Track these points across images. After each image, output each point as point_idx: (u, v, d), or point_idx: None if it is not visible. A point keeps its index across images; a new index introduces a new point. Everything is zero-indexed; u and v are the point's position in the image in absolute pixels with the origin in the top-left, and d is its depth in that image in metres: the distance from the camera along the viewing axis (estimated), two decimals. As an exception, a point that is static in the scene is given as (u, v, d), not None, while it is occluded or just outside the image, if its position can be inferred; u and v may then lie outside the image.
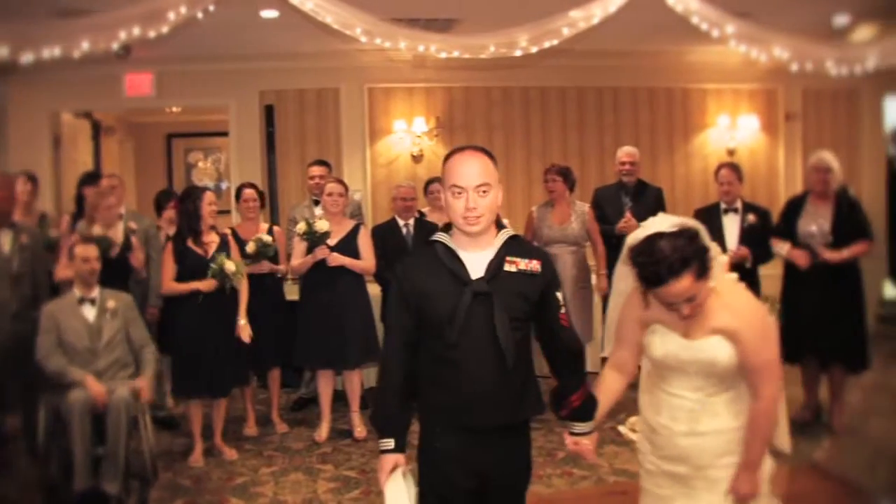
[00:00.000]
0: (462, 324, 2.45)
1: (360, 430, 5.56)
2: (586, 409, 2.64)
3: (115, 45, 4.84)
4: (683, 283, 2.45)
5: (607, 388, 2.81)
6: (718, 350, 2.58)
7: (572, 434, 2.67)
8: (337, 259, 5.42)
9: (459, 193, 2.46)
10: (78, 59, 4.82)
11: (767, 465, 2.75)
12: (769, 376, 2.59)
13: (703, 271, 2.48)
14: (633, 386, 2.94)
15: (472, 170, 2.47)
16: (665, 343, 2.66)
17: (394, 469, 2.53)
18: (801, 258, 5.28)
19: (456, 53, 5.59)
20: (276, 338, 5.68)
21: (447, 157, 2.56)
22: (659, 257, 2.45)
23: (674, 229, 2.52)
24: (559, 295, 2.61)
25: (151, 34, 4.84)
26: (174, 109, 9.88)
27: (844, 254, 5.23)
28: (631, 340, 2.80)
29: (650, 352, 2.72)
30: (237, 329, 5.19)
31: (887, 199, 8.59)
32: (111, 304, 4.68)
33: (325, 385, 5.64)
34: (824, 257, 5.24)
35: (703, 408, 2.66)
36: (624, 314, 2.82)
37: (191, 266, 5.13)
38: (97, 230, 5.25)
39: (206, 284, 5.10)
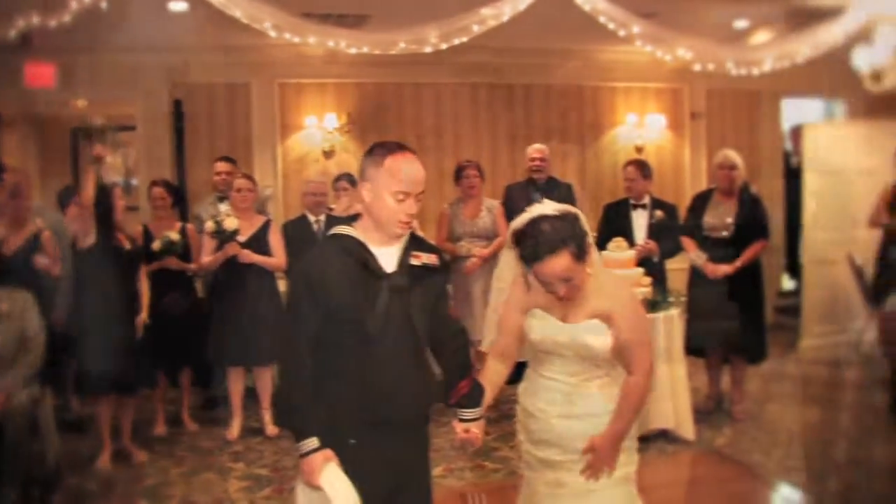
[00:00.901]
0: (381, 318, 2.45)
1: (271, 428, 5.50)
2: (474, 396, 2.69)
3: (12, 33, 4.66)
4: (561, 261, 2.58)
5: (492, 375, 2.90)
6: (595, 333, 2.70)
7: (462, 421, 2.71)
8: (248, 256, 5.37)
9: (402, 200, 2.45)
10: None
11: (634, 461, 2.85)
12: (642, 351, 2.74)
13: (581, 253, 2.61)
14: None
15: (419, 176, 2.48)
16: (543, 326, 2.77)
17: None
18: (716, 271, 5.47)
19: (366, 49, 5.59)
20: (187, 336, 5.58)
21: (384, 155, 2.46)
22: (539, 237, 2.59)
23: (556, 213, 2.67)
24: (449, 287, 2.67)
25: (52, 23, 4.68)
26: (79, 103, 9.56)
27: (737, 264, 5.46)
28: (513, 328, 2.89)
29: (529, 335, 2.83)
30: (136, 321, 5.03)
31: (784, 194, 8.95)
32: (4, 306, 4.47)
33: (235, 382, 5.58)
34: (720, 273, 5.45)
35: (577, 391, 2.77)
36: (507, 302, 2.92)
37: None
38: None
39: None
